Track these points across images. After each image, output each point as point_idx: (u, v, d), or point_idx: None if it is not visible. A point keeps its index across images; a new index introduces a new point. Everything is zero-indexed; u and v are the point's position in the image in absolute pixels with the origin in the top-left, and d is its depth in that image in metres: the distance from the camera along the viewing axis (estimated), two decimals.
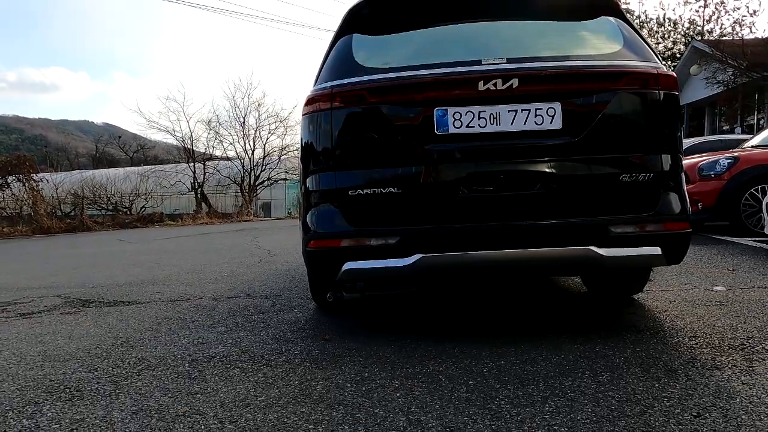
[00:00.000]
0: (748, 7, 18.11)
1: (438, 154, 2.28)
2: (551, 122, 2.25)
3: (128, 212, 20.89)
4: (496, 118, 2.26)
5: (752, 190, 6.01)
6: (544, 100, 2.25)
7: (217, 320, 3.11)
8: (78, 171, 32.37)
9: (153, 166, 26.38)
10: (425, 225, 2.30)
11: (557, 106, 2.25)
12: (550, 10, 2.61)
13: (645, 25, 19.60)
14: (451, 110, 2.27)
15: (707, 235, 6.33)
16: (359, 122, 2.36)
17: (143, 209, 21.82)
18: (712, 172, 6.25)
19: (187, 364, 2.27)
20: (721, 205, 6.11)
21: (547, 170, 2.27)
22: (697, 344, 2.31)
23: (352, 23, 2.63)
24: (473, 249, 2.27)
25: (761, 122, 13.88)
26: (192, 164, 21.09)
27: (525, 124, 2.25)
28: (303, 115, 2.50)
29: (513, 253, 2.26)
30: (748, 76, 12.37)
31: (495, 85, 2.23)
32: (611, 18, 2.56)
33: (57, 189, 22.14)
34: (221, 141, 21.84)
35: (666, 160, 2.35)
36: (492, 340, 2.41)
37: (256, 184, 21.23)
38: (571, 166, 2.28)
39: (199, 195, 21.12)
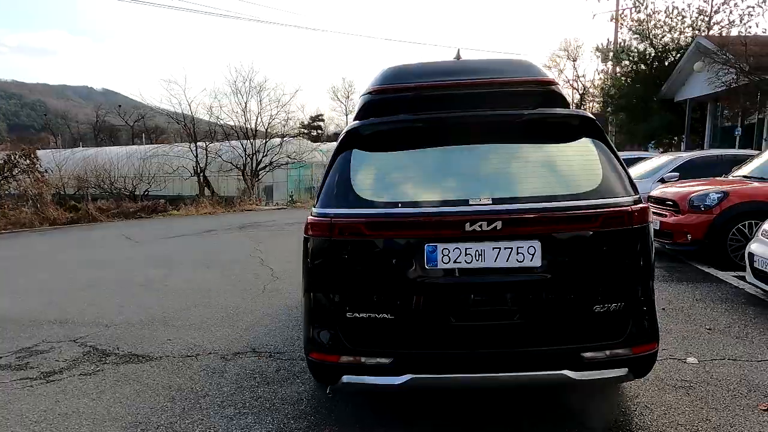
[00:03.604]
0: None
1: (427, 286, 2.50)
2: (531, 260, 2.46)
3: (131, 195, 21.14)
4: (481, 254, 2.47)
5: (739, 225, 6.21)
6: (525, 238, 2.45)
7: (226, 395, 3.39)
8: (80, 149, 32.46)
9: (155, 146, 26.45)
10: (416, 349, 2.54)
11: (537, 244, 2.45)
12: (534, 134, 2.78)
13: (652, 16, 19.38)
14: (440, 246, 2.47)
15: (693, 265, 6.57)
16: (356, 252, 2.56)
17: (146, 193, 22.06)
18: (702, 205, 6.43)
19: None
20: (709, 238, 6.32)
21: (526, 303, 2.49)
22: None
23: (351, 141, 2.80)
24: (459, 372, 2.52)
25: (763, 122, 13.91)
26: (194, 148, 21.16)
27: (507, 261, 2.46)
28: (305, 234, 2.71)
29: (495, 377, 2.51)
30: (750, 79, 12.35)
31: (480, 226, 2.43)
32: (591, 141, 2.72)
33: (60, 170, 22.39)
34: (222, 127, 21.84)
35: (638, 288, 2.56)
36: None
37: (258, 169, 21.36)
38: (548, 299, 2.49)
39: (201, 180, 21.30)
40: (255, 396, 3.36)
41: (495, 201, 2.48)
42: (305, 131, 48.96)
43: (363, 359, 2.57)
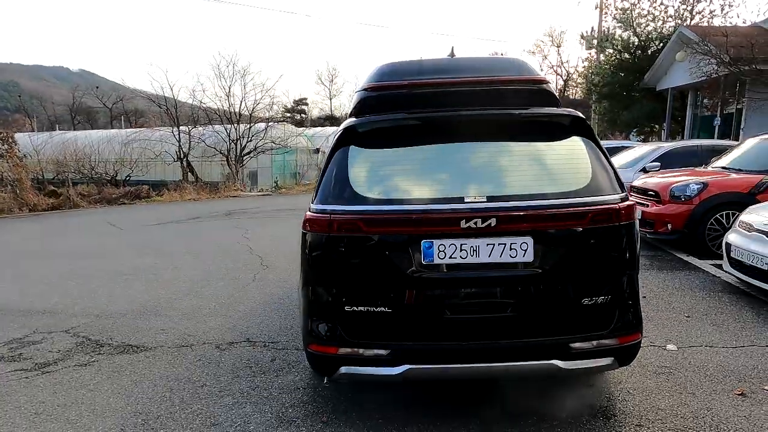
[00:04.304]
0: None
1: (424, 281, 2.59)
2: (524, 255, 2.55)
3: (113, 180, 20.83)
4: (476, 250, 2.56)
5: (717, 215, 6.43)
6: (518, 235, 2.55)
7: (223, 384, 3.46)
8: (59, 132, 31.73)
9: (137, 130, 26.04)
10: (413, 341, 2.63)
11: (530, 240, 2.55)
12: (527, 132, 2.86)
13: (636, 5, 19.56)
14: (436, 243, 2.56)
15: (673, 254, 6.78)
16: (354, 247, 2.63)
17: (128, 178, 21.75)
18: (682, 196, 6.63)
19: None
20: (688, 228, 6.52)
21: (518, 297, 2.60)
22: None
23: (348, 138, 2.86)
24: (454, 362, 2.63)
25: (741, 112, 14.23)
26: (177, 132, 20.85)
27: (501, 256, 2.56)
28: (303, 230, 2.76)
29: (488, 367, 2.62)
30: (730, 70, 12.62)
31: (476, 223, 2.51)
32: (581, 139, 2.82)
33: (38, 154, 21.94)
34: (206, 111, 21.53)
35: (624, 282, 2.68)
36: (471, 422, 2.81)
37: (243, 154, 21.17)
38: (539, 293, 2.60)
39: (184, 165, 21.05)
40: (252, 385, 3.44)
41: (489, 199, 2.57)
42: (288, 115, 48.54)
43: (361, 351, 2.66)
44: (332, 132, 30.12)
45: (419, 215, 2.56)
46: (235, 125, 20.95)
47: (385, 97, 3.16)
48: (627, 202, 2.67)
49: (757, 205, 5.34)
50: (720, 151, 8.65)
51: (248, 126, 21.00)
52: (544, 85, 3.15)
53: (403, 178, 2.75)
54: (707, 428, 2.82)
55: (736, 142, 8.50)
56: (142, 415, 3.10)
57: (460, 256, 2.56)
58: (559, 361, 2.61)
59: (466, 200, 2.56)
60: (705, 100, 16.43)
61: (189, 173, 21.04)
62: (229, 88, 21.09)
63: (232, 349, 4.08)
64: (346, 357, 2.68)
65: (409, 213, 2.57)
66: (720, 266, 5.83)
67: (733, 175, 6.78)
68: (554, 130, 2.87)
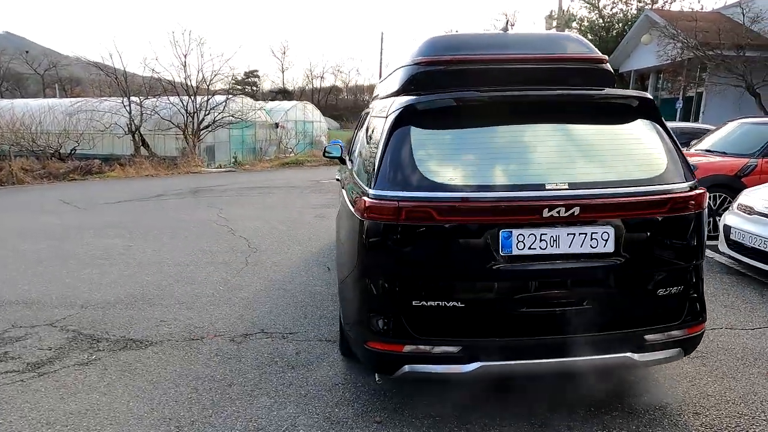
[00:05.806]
0: None
1: (501, 272, 2.41)
2: (605, 246, 2.43)
3: (57, 153, 19.33)
4: (556, 240, 2.41)
5: None
6: (600, 224, 2.42)
7: (253, 382, 3.19)
8: None
9: (82, 99, 24.19)
10: (486, 337, 2.47)
11: (611, 230, 2.43)
12: (601, 115, 2.72)
13: None
14: (515, 232, 2.39)
15: None
16: (425, 237, 2.41)
17: (74, 151, 20.26)
18: None
19: None
20: None
21: (598, 289, 2.48)
22: (701, 426, 2.72)
23: (407, 118, 2.60)
24: (529, 358, 2.49)
25: (701, 95, 14.80)
26: (128, 103, 19.51)
27: (581, 247, 2.42)
28: (361, 218, 2.51)
29: (563, 362, 2.51)
30: (696, 55, 13.03)
31: (558, 212, 2.36)
32: (652, 124, 2.70)
33: None
34: (160, 81, 20.25)
35: (694, 271, 2.63)
36: (531, 416, 2.71)
37: (201, 128, 20.13)
38: (618, 284, 2.50)
39: (137, 138, 19.82)
40: (285, 382, 3.20)
41: (571, 186, 2.41)
42: (239, 87, 46.84)
43: (429, 348, 2.48)
44: (291, 106, 29.32)
45: (501, 203, 2.37)
46: (192, 97, 19.82)
47: (437, 73, 2.92)
48: (699, 190, 2.59)
49: (755, 187, 5.50)
50: (694, 134, 8.93)
51: (206, 98, 19.92)
52: (604, 64, 3.00)
53: (474, 162, 2.54)
54: (760, 413, 2.85)
55: (713, 126, 8.78)
56: (173, 421, 2.80)
57: (540, 247, 2.40)
58: (634, 354, 2.53)
59: (547, 187, 2.40)
60: (665, 83, 16.99)
61: (142, 147, 19.84)
62: (185, 57, 19.90)
63: (249, 342, 3.79)
64: (411, 355, 2.49)
65: (488, 201, 2.37)
66: (712, 248, 6.01)
67: (718, 158, 6.98)
68: (625, 113, 2.73)
